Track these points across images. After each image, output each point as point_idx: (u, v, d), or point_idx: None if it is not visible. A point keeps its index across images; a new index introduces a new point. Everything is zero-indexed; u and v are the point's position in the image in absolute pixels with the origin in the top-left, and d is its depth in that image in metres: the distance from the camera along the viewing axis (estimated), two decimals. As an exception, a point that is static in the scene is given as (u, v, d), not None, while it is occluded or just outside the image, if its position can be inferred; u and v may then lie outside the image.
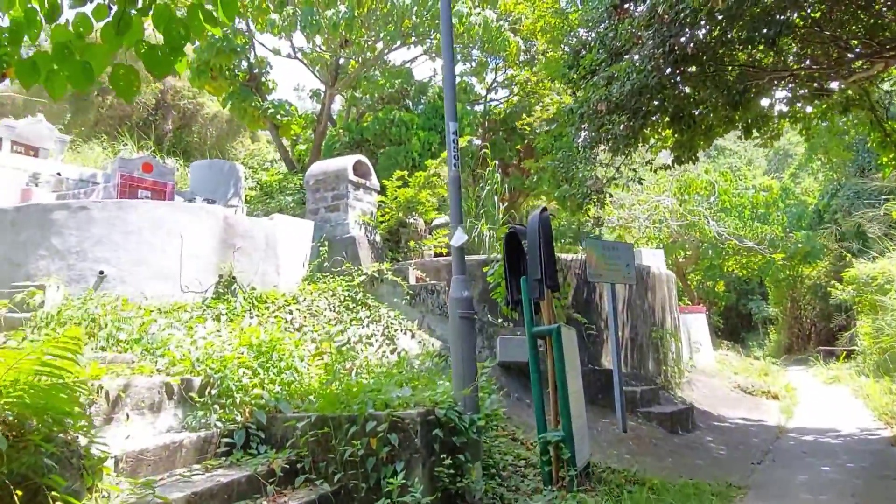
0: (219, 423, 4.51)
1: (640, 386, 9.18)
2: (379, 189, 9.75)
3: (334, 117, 18.19)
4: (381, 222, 9.69)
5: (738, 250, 21.75)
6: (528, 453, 5.89)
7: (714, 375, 14.04)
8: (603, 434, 7.17)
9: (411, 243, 9.57)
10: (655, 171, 8.14)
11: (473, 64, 16.85)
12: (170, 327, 6.33)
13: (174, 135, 32.45)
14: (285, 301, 7.94)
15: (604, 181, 7.72)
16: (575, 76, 6.96)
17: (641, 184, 7.65)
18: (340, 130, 13.76)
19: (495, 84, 17.38)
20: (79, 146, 30.14)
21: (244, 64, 16.41)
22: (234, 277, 7.69)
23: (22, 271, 7.04)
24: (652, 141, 8.58)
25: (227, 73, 15.96)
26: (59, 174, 12.22)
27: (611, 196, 7.97)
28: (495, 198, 11.25)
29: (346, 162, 9.21)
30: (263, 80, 16.61)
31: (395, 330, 7.87)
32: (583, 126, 7.66)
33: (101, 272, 7.06)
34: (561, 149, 7.70)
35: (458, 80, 17.23)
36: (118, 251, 7.18)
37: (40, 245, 7.08)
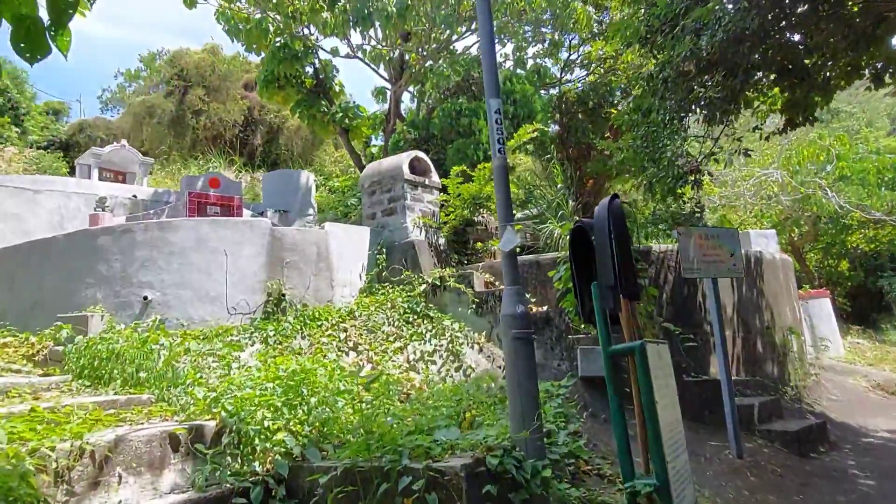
0: (231, 479, 3.83)
1: (757, 396, 7.74)
2: (441, 187, 8.91)
3: (405, 115, 17.58)
4: (445, 223, 8.84)
5: (864, 223, 19.02)
6: (619, 496, 4.82)
7: (845, 372, 12.03)
8: (712, 463, 5.91)
9: (478, 245, 8.64)
10: (768, 139, 6.69)
11: (546, 44, 15.65)
12: (203, 357, 5.82)
13: (263, 148, 33.38)
14: (340, 317, 7.28)
15: (699, 158, 6.41)
16: (655, 23, 5.65)
17: (749, 156, 6.22)
18: (405, 128, 13.06)
19: (572, 63, 16.05)
20: (176, 167, 31.62)
21: (310, 70, 16.14)
22: (283, 295, 7.13)
23: (73, 301, 6.83)
24: (757, 104, 7.14)
25: (293, 81, 15.76)
26: (134, 196, 12.39)
27: (710, 175, 6.62)
28: (570, 189, 10.11)
29: (401, 160, 8.44)
30: (329, 84, 16.27)
31: (461, 344, 6.99)
32: (668, 95, 6.40)
33: (145, 297, 6.70)
34: (643, 124, 6.48)
35: (530, 63, 16.11)
36: (161, 274, 6.81)
37: (88, 272, 6.84)
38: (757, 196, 20.06)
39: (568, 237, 4.84)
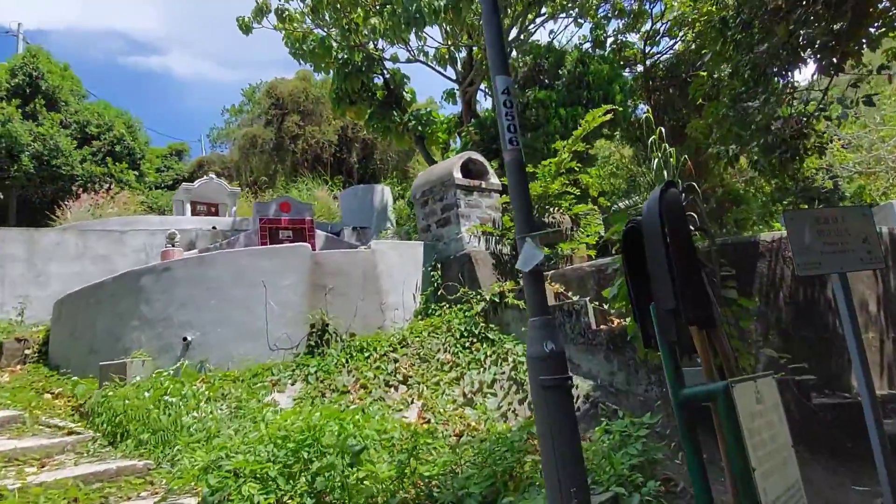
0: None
1: (920, 417, 6.01)
2: (501, 189, 7.94)
3: (482, 115, 16.70)
4: (509, 229, 7.84)
5: None
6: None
7: None
8: (857, 519, 4.48)
9: (545, 250, 7.53)
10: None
11: (628, 18, 14.14)
12: (234, 403, 5.28)
13: (359, 165, 33.94)
14: (390, 346, 6.55)
15: (804, 118, 4.93)
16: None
17: (872, 104, 4.66)
18: (472, 129, 12.19)
19: (657, 34, 14.39)
20: (279, 192, 32.76)
21: (380, 81, 15.75)
22: (326, 325, 6.51)
23: (119, 345, 6.64)
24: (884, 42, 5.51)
25: (364, 94, 15.45)
26: (214, 227, 12.53)
27: (819, 137, 5.09)
28: (664, 173, 8.70)
29: (452, 164, 7.59)
30: (400, 93, 15.78)
31: (526, 371, 5.98)
32: (755, 43, 5.02)
33: (185, 339, 6.36)
34: (728, 87, 5.14)
35: (611, 39, 14.64)
36: (200, 312, 6.44)
37: (133, 314, 6.63)
38: (904, 158, 17.09)
39: (620, 242, 3.72)
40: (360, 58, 13.66)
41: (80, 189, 22.90)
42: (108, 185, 23.88)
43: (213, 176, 16.32)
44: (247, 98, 37.90)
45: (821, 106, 4.88)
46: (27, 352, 7.92)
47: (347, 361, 6.32)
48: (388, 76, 15.55)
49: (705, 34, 5.05)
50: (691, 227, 3.41)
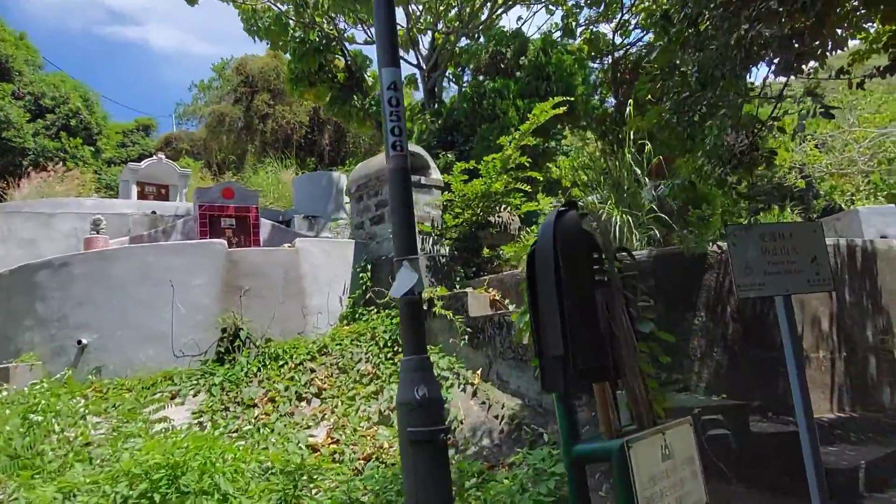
0: None
1: (868, 445, 5.67)
2: (444, 185, 7.42)
3: (448, 104, 16.12)
4: (452, 227, 7.34)
5: None
6: None
7: None
8: (787, 569, 4.09)
9: (485, 252, 7.06)
10: (860, 86, 4.66)
11: (601, 7, 13.60)
12: (118, 420, 4.73)
13: (331, 148, 33.15)
14: (308, 354, 6.03)
15: (757, 126, 4.44)
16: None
17: (831, 117, 4.19)
18: (427, 116, 11.63)
19: (630, 26, 13.88)
20: (247, 174, 31.90)
21: (341, 63, 15.06)
22: (239, 330, 5.96)
23: (12, 346, 6.03)
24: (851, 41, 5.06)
25: (325, 76, 14.77)
26: (153, 212, 11.83)
27: (769, 151, 4.66)
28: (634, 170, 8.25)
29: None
30: (362, 76, 15.09)
31: (449, 386, 5.51)
32: (706, 42, 4.54)
33: (80, 342, 5.76)
34: (672, 90, 4.66)
35: (581, 28, 14.11)
36: (99, 312, 5.85)
37: (27, 313, 6.02)
38: (874, 161, 16.90)
39: (525, 265, 3.21)
40: (316, 36, 12.97)
41: (32, 164, 21.90)
42: (61, 161, 22.88)
43: (163, 156, 15.55)
44: (217, 74, 36.64)
45: (773, 115, 4.42)
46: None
47: (259, 371, 5.79)
48: (349, 58, 14.86)
49: (649, 27, 4.56)
50: (597, 256, 2.93)
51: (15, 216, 10.41)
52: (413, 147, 7.37)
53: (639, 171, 8.33)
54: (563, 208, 2.66)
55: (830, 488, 4.99)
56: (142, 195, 15.13)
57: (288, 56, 14.87)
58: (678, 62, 4.50)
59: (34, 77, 24.63)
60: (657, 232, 7.92)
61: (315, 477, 4.21)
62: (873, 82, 5.35)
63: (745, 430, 5.07)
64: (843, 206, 15.71)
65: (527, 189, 7.69)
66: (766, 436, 5.09)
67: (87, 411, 4.74)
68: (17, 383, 5.44)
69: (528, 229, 7.91)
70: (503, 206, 7.80)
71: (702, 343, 6.03)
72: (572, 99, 8.86)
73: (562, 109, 7.65)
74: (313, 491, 4.04)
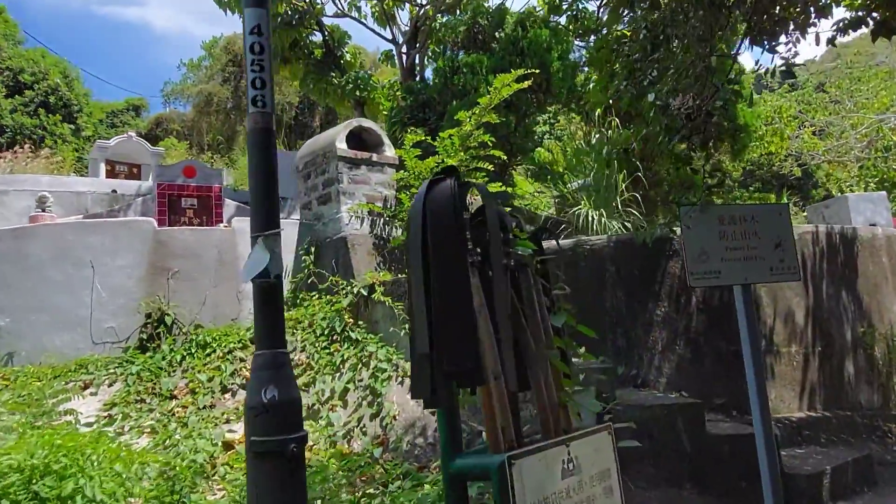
0: None
1: (838, 447, 5.26)
2: (398, 164, 6.94)
3: (430, 81, 15.55)
4: (404, 209, 6.86)
5: None
6: None
7: None
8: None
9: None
10: (831, 44, 4.16)
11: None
12: (8, 414, 4.31)
13: (322, 129, 32.60)
14: (240, 342, 5.60)
15: (711, 89, 3.91)
16: None
17: (792, 77, 3.69)
18: (398, 94, 11.12)
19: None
20: (234, 156, 31.41)
21: (318, 39, 14.49)
22: (164, 315, 5.53)
23: (-78, 329, 5.59)
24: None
25: (301, 52, 14.21)
26: (113, 191, 11.35)
27: (725, 117, 4.09)
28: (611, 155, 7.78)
29: (336, 132, 6.56)
30: (340, 53, 14.53)
31: (386, 379, 5.08)
32: None
33: (-10, 325, 5.33)
34: (621, 53, 4.18)
35: (567, 5, 13.54)
36: (13, 294, 5.41)
37: (-63, 294, 5.57)
38: (871, 148, 16.42)
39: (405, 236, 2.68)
40: (286, 10, 12.40)
41: (8, 142, 21.35)
42: (39, 139, 22.35)
43: (133, 134, 15.06)
44: (207, 52, 35.88)
45: (729, 77, 3.93)
46: None
47: (183, 359, 5.37)
48: (326, 34, 14.29)
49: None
50: (504, 237, 2.48)
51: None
52: (365, 122, 6.89)
53: (614, 153, 7.86)
54: (438, 176, 2.20)
55: (790, 494, 4.58)
56: (112, 174, 14.64)
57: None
58: (627, 21, 4.03)
59: (13, 52, 24.00)
60: (633, 218, 7.49)
61: (214, 479, 3.79)
62: (872, 65, 4.85)
63: (700, 431, 4.65)
64: (837, 194, 15.25)
65: (489, 168, 7.22)
66: (724, 437, 4.67)
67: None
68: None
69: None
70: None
71: (663, 335, 5.60)
72: (537, 71, 8.34)
73: (526, 83, 7.15)
74: (206, 495, 3.63)
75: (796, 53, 4.41)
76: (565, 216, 8.14)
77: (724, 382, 5.34)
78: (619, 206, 7.48)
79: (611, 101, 4.65)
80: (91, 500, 3.05)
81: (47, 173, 14.19)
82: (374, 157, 6.67)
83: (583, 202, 7.79)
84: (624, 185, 7.51)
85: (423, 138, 6.75)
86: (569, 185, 10.77)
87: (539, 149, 12.10)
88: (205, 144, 32.03)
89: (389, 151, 6.86)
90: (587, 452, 2.52)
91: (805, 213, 12.34)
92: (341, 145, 6.33)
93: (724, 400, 5.31)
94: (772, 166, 18.32)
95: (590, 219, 7.40)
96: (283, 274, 6.01)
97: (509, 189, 7.30)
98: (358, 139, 6.74)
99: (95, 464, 3.31)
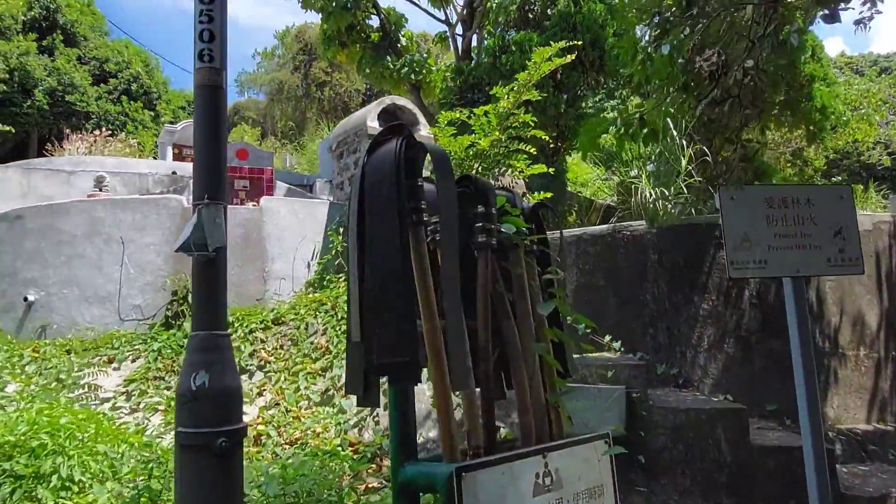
0: None
1: (911, 467, 4.58)
2: (434, 143, 6.65)
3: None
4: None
5: None
6: None
7: None
8: None
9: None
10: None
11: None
12: (32, 386, 4.39)
13: (388, 117, 32.64)
14: (262, 323, 5.52)
15: (747, 44, 3.30)
16: None
17: (837, 20, 3.07)
18: (447, 73, 10.79)
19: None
20: (304, 141, 32.09)
21: (375, 23, 14.38)
22: (189, 292, 5.51)
23: (-31, 301, 5.85)
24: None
25: (358, 36, 14.15)
26: (174, 173, 11.68)
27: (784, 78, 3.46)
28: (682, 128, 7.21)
29: (368, 111, 6.36)
30: (396, 36, 14.36)
31: (403, 367, 4.85)
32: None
33: (26, 298, 5.49)
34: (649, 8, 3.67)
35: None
36: (47, 269, 5.55)
37: (-17, 267, 5.80)
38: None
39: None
40: (339, -8, 12.31)
41: (95, 127, 22.62)
42: (122, 124, 23.56)
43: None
44: (280, 41, 36.81)
45: (766, 30, 3.34)
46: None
47: (205, 338, 5.33)
48: (382, 16, 14.15)
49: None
50: (482, 210, 2.18)
51: (35, 173, 10.47)
52: (399, 100, 6.65)
53: (675, 134, 7.27)
54: (384, 136, 1.91)
55: (847, 520, 4.02)
56: (180, 157, 15.15)
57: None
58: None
59: (99, 42, 25.34)
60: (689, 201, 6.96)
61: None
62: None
63: (743, 440, 4.13)
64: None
65: (531, 150, 6.81)
66: (770, 448, 4.14)
67: (6, 374, 4.41)
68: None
69: (532, 195, 7.08)
70: (504, 170, 6.97)
71: (710, 332, 5.07)
72: (578, 43, 7.81)
73: (569, 57, 6.68)
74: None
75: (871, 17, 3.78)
76: (627, 204, 7.65)
77: (777, 387, 4.77)
78: (678, 191, 6.94)
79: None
80: (68, 479, 2.98)
81: (125, 156, 14.86)
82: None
83: (642, 186, 7.30)
84: (686, 169, 6.97)
85: (458, 116, 6.42)
86: (632, 171, 10.16)
87: (605, 135, 11.51)
88: (277, 131, 32.88)
89: (425, 131, 6.59)
90: (572, 465, 2.19)
91: (886, 204, 11.16)
92: (372, 124, 6.13)
93: (775, 406, 4.74)
94: (859, 155, 16.76)
95: (647, 204, 6.92)
96: (312, 255, 5.91)
97: (550, 170, 6.85)
98: (393, 118, 6.51)
99: (83, 443, 3.26)
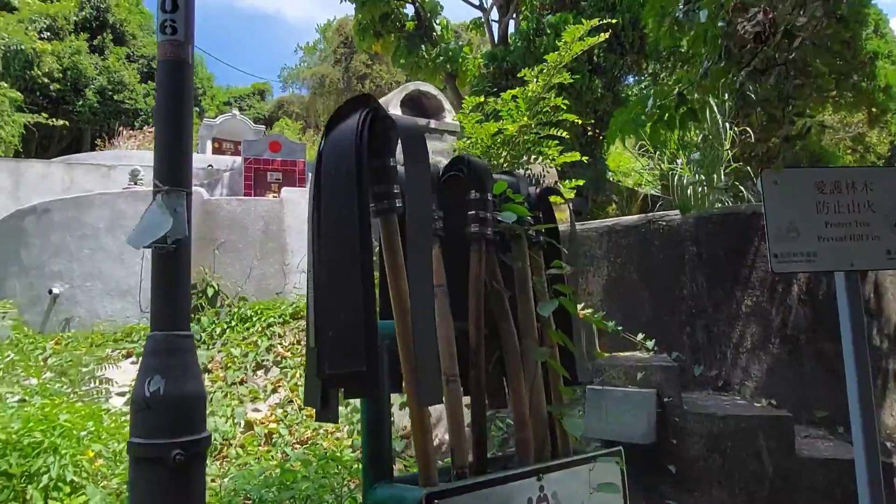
0: None
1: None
2: (459, 131, 6.40)
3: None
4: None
5: None
6: None
7: None
8: None
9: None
10: None
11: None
12: (43, 379, 4.37)
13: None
14: (280, 317, 5.39)
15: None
16: None
17: None
18: (480, 61, 10.48)
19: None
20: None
21: (410, 11, 14.17)
22: (208, 286, 5.44)
23: (1, 292, 5.94)
24: None
25: (393, 26, 13.97)
26: (210, 166, 11.80)
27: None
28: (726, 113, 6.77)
29: (389, 98, 6.15)
30: (431, 24, 14.10)
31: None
32: None
33: (51, 291, 5.53)
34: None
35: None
36: (71, 262, 5.58)
37: (13, 259, 5.89)
38: None
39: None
40: (371, -20, 12.13)
41: (144, 124, 23.27)
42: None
43: (236, 112, 15.66)
44: (321, 35, 37.07)
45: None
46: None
47: (223, 332, 5.25)
48: (417, 4, 13.91)
49: None
50: (477, 196, 1.95)
51: (77, 168, 10.71)
52: (423, 86, 6.41)
53: (720, 118, 6.81)
54: (345, 110, 1.67)
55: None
56: (219, 150, 15.36)
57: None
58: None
59: (148, 41, 26.00)
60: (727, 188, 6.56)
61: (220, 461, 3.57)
62: None
63: (788, 450, 3.74)
64: None
65: (564, 135, 6.48)
66: (819, 461, 3.73)
67: (19, 367, 4.41)
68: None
69: (563, 183, 6.74)
70: (534, 157, 6.66)
71: (753, 330, 4.65)
72: (613, 21, 7.38)
73: (602, 36, 6.29)
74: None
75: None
76: (669, 194, 7.25)
77: (827, 391, 4.32)
78: (722, 179, 6.51)
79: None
80: (58, 479, 2.88)
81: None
82: (433, 124, 6.18)
83: (685, 174, 6.91)
84: (731, 155, 6.55)
85: (480, 100, 6.14)
86: (678, 160, 9.69)
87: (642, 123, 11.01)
88: (320, 124, 33.14)
89: (450, 117, 6.34)
90: (574, 487, 1.94)
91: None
92: (394, 111, 5.90)
93: (825, 413, 4.31)
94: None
95: (687, 193, 6.53)
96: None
97: (584, 158, 6.50)
98: (418, 105, 6.28)
99: (79, 441, 3.16)
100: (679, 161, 8.76)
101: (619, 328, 4.82)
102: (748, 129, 6.77)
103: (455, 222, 1.96)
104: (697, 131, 7.34)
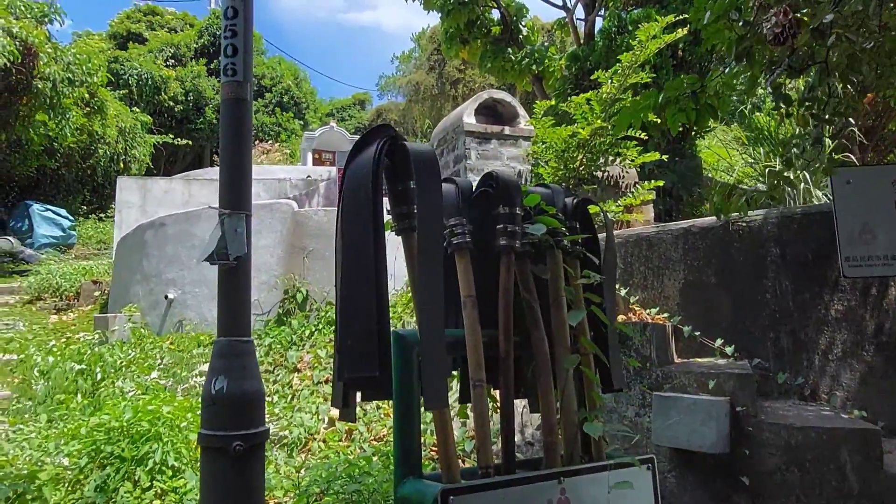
0: None
1: None
2: (534, 136, 6.44)
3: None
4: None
5: None
6: None
7: None
8: None
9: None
10: None
11: None
12: (154, 375, 4.96)
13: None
14: (362, 320, 5.72)
15: None
16: None
17: None
18: (561, 62, 10.38)
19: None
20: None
21: (496, 16, 14.31)
22: (297, 291, 5.89)
23: (128, 297, 6.76)
24: None
25: (479, 31, 14.20)
26: (308, 177, 12.56)
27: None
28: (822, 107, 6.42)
29: (465, 107, 6.31)
30: (516, 27, 14.17)
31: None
32: None
33: (167, 296, 6.21)
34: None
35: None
36: (183, 270, 6.23)
37: (137, 268, 6.68)
38: None
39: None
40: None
41: (255, 139, 25.07)
42: (276, 135, 25.82)
43: (334, 124, 16.50)
44: (416, 44, 38.05)
45: None
46: (96, 293, 8.49)
47: (312, 334, 5.66)
48: (502, 8, 14.02)
49: None
50: (506, 211, 2.08)
51: (194, 183, 11.79)
52: (497, 94, 6.53)
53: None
54: (365, 140, 1.86)
55: None
56: (319, 161, 16.30)
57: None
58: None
59: (257, 61, 27.98)
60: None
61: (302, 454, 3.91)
62: None
63: (875, 467, 3.48)
64: None
65: (642, 136, 6.37)
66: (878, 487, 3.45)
67: (122, 365, 5.02)
68: (117, 332, 6.03)
69: (641, 184, 6.60)
70: (613, 158, 6.59)
71: (843, 337, 4.35)
72: (687, 17, 7.06)
73: (680, 31, 6.11)
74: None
75: None
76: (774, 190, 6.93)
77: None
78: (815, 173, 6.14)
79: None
80: (160, 463, 3.31)
81: (273, 164, 16.25)
82: (507, 131, 6.29)
83: (783, 170, 6.60)
84: (831, 148, 6.15)
85: (551, 104, 6.17)
86: (784, 154, 9.16)
87: (757, 113, 10.48)
88: (417, 130, 34.01)
89: (525, 124, 6.42)
90: (594, 493, 2.02)
91: None
92: (469, 119, 6.08)
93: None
94: None
95: (787, 189, 6.24)
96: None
97: (663, 157, 6.35)
98: (493, 112, 6.42)
99: (180, 430, 3.59)
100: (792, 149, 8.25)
101: (696, 333, 4.70)
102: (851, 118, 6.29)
103: (488, 236, 2.09)
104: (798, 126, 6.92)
